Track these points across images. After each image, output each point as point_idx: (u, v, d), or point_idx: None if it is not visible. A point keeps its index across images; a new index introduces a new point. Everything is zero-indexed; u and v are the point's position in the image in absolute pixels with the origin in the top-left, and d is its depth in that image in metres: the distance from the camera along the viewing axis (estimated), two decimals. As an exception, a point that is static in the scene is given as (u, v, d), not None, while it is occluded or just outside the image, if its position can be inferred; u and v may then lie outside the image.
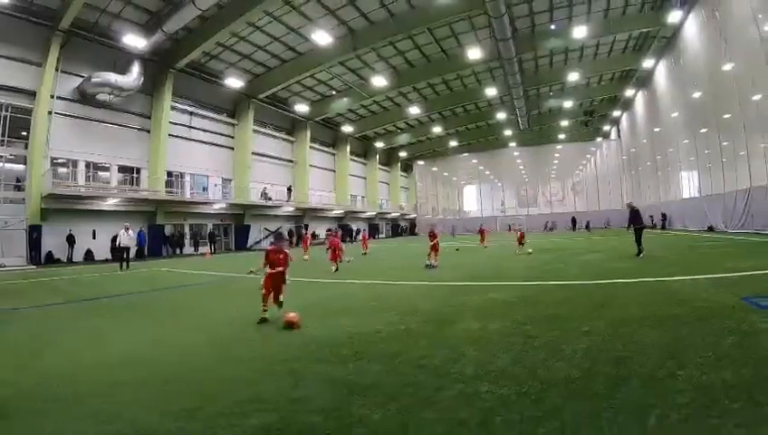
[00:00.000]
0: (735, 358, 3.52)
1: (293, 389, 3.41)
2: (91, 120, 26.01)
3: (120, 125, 27.74)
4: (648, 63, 33.10)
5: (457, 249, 21.91)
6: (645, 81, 36.58)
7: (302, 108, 40.12)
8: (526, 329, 5.08)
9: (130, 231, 18.75)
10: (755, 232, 20.18)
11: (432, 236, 14.08)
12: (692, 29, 24.81)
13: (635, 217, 14.08)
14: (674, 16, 25.06)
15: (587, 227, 46.75)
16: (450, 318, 5.95)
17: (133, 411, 3.07)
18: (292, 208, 40.46)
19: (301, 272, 14.05)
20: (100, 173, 27.30)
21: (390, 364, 3.88)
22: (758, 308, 5.34)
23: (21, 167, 23.41)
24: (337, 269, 13.52)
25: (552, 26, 29.85)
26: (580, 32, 28.19)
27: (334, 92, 39.61)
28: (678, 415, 2.59)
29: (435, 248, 13.67)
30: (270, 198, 37.50)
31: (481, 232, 24.95)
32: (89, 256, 25.25)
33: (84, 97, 25.32)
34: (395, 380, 3.51)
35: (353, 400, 3.13)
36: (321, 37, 27.10)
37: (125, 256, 18.27)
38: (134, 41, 24.04)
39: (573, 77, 36.94)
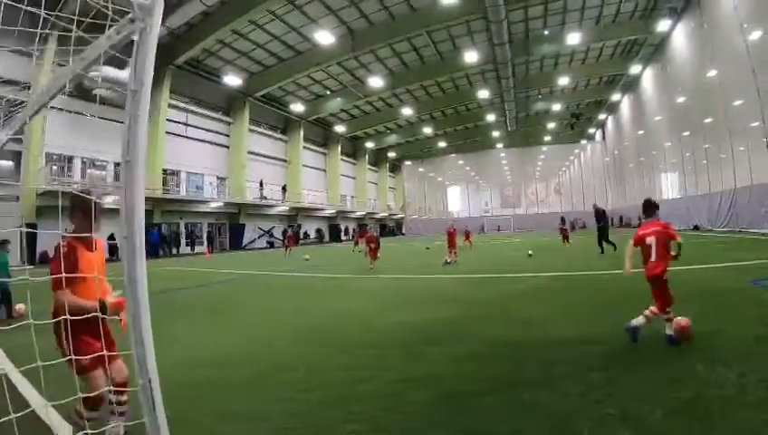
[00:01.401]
0: (759, 321, 4.47)
1: (428, 366, 3.73)
2: (87, 115, 25.70)
3: (115, 121, 27.45)
4: (635, 69, 34.37)
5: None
6: (631, 85, 37.91)
7: (296, 107, 40.28)
8: (580, 310, 5.65)
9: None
10: (740, 230, 21.30)
11: (450, 234, 14.62)
12: (680, 37, 25.98)
13: (600, 216, 14.73)
14: (663, 25, 26.18)
15: (572, 226, 48.02)
16: (505, 303, 6.47)
17: (279, 405, 3.03)
18: (286, 208, 40.54)
19: (331, 269, 14.43)
20: (91, 171, 27.02)
21: (489, 341, 4.35)
22: (766, 288, 6.30)
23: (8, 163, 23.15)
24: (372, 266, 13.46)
25: (546, 32, 30.77)
26: (573, 38, 29.21)
27: (329, 92, 39.85)
28: (737, 351, 3.52)
29: (452, 245, 14.24)
30: (265, 197, 37.56)
31: (466, 233, 24.93)
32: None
33: (81, 91, 25.02)
34: (507, 350, 4.02)
35: (490, 368, 3.61)
36: (323, 37, 27.46)
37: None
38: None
39: (563, 81, 38.06)
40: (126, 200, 1.92)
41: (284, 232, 38.45)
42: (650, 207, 4.28)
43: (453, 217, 64.02)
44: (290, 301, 8.38)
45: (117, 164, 27.82)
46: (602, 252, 13.88)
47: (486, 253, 18.85)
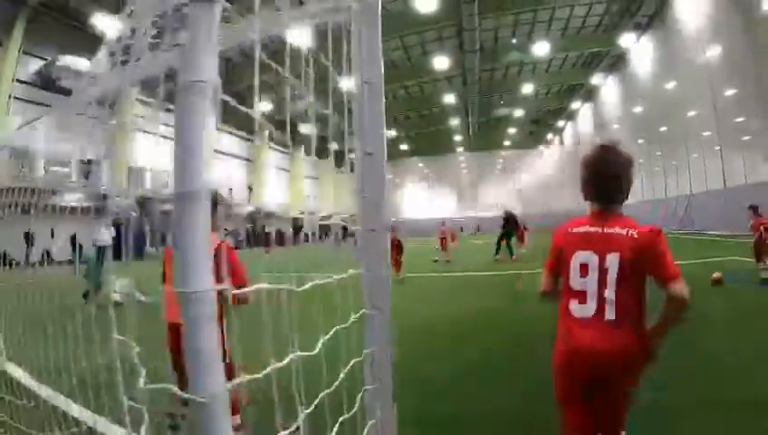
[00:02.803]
0: (755, 304, 5.48)
1: (477, 351, 4.16)
2: (51, 107, 24.08)
3: (81, 115, 25.86)
4: (596, 79, 36.25)
5: None
6: (591, 94, 39.96)
7: (263, 106, 39.45)
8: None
9: (112, 229, 17.74)
10: (695, 232, 22.96)
11: (443, 235, 14.92)
12: (642, 51, 27.71)
13: (508, 221, 14.20)
14: (627, 39, 27.73)
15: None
16: (511, 298, 6.89)
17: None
18: (252, 208, 39.60)
19: (325, 271, 14.36)
20: (53, 168, 25.28)
21: (517, 329, 4.86)
22: (739, 280, 7.29)
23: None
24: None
25: (514, 41, 31.87)
26: (540, 48, 30.37)
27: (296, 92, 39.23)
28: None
29: (444, 245, 14.54)
30: (232, 197, 36.55)
31: (452, 234, 25.34)
32: (46, 256, 23.28)
33: (45, 81, 23.42)
34: (536, 335, 4.32)
35: (531, 347, 3.89)
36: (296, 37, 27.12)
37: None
38: (104, 23, 22.65)
39: (526, 88, 39.49)
40: (373, 195, 1.83)
41: (267, 234, 37.63)
42: (756, 208, 6.97)
43: (411, 219, 65.17)
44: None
45: (79, 161, 26.19)
46: (497, 252, 13.68)
47: (471, 253, 19.28)
